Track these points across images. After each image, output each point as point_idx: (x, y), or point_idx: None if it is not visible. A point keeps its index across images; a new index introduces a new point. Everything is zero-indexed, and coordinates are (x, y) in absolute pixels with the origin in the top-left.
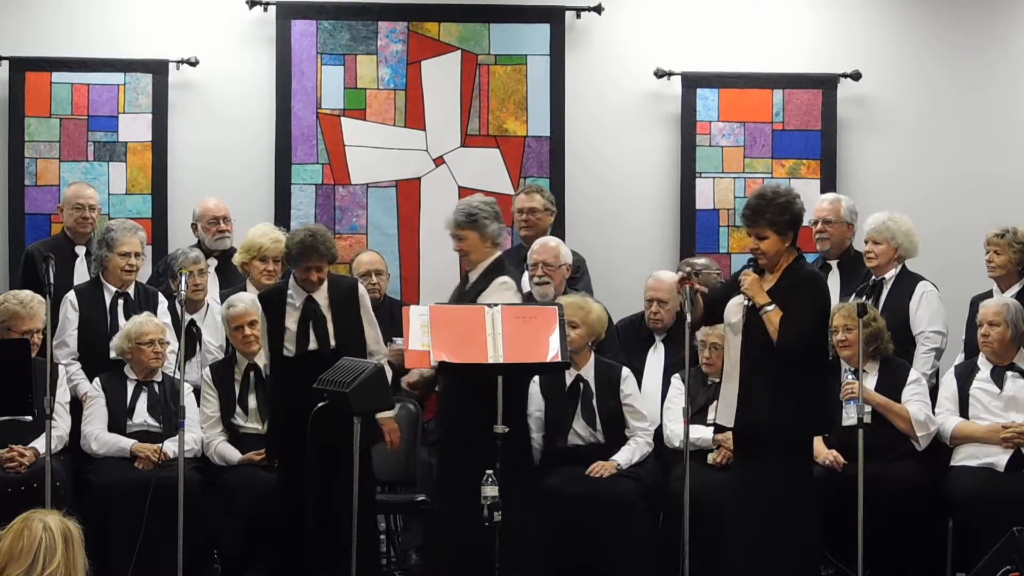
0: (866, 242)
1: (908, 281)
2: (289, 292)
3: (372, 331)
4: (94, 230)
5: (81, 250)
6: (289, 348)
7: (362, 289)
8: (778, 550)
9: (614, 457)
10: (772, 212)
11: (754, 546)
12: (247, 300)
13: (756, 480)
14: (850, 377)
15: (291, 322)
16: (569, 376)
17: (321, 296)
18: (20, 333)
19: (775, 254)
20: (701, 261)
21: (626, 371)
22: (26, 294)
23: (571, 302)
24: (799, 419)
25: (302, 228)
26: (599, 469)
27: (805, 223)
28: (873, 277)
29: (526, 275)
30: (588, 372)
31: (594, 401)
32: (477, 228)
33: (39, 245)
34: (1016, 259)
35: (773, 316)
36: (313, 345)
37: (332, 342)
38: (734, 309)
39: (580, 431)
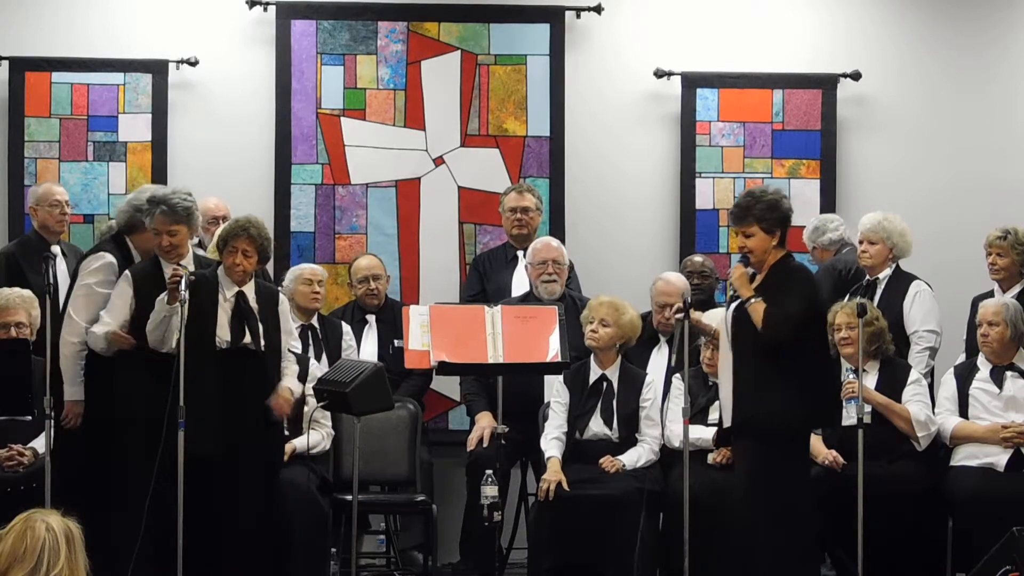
0: (860, 242)
1: (902, 281)
2: (220, 284)
3: (287, 337)
4: (68, 228)
5: (56, 249)
6: (222, 340)
7: (283, 297)
8: (774, 546)
9: (620, 457)
10: (759, 209)
11: (750, 542)
12: None
13: (749, 476)
14: (851, 376)
15: (223, 313)
16: (594, 374)
17: (249, 292)
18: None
19: (762, 252)
20: (699, 259)
21: (650, 378)
22: (12, 289)
23: (607, 302)
24: (791, 413)
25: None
26: (608, 464)
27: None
28: (867, 277)
29: (518, 273)
30: (613, 373)
31: (614, 401)
32: (191, 224)
33: (10, 247)
34: (1019, 260)
35: (757, 307)
36: (248, 339)
37: (261, 340)
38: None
39: (595, 428)
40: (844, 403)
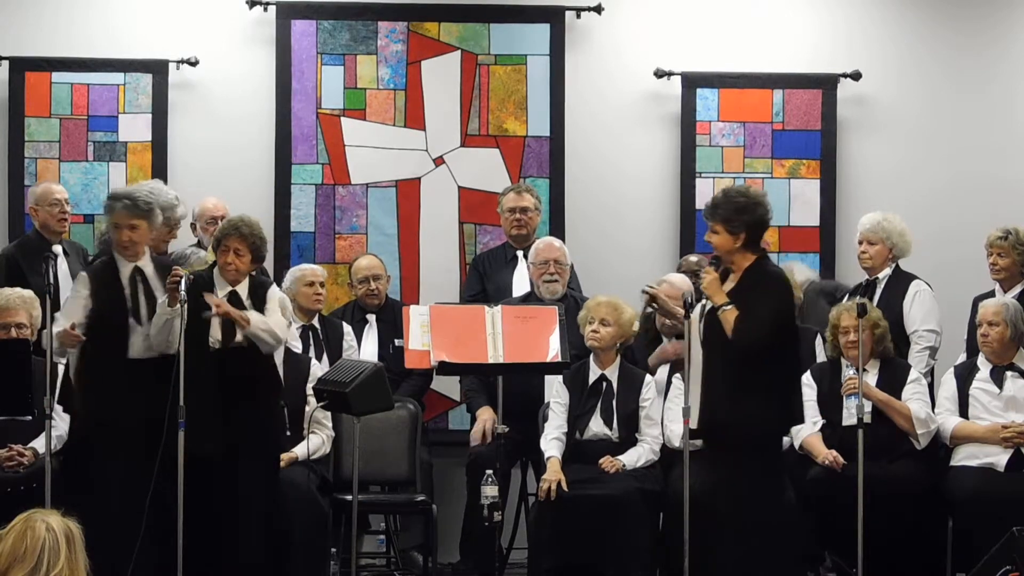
0: (860, 242)
1: (902, 280)
2: (214, 284)
3: (270, 315)
4: (69, 227)
5: (58, 249)
6: (215, 340)
7: (273, 289)
8: (753, 549)
9: (620, 457)
10: (726, 210)
11: (730, 547)
12: None
13: (720, 481)
14: (851, 373)
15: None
16: (593, 374)
17: (243, 290)
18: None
19: (725, 252)
20: (694, 258)
21: (649, 378)
22: (12, 289)
23: (605, 301)
24: (759, 419)
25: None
26: (608, 464)
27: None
28: (867, 277)
29: (518, 272)
30: (612, 373)
31: (614, 402)
32: (152, 220)
33: (10, 248)
34: (1019, 260)
35: (728, 315)
36: (240, 338)
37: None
38: (699, 313)
39: (595, 428)
40: (844, 399)
